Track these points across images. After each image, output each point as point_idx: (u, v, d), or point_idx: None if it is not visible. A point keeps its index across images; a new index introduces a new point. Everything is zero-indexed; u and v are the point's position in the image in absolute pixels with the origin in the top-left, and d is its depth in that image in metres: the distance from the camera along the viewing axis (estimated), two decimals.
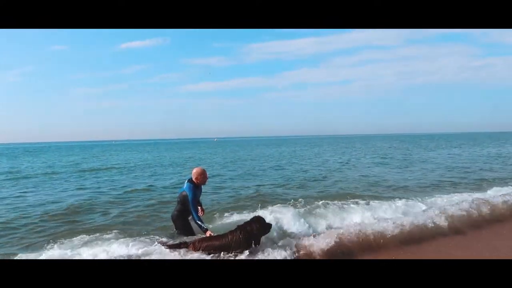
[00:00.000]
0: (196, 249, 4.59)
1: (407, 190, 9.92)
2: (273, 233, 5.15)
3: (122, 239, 5.15)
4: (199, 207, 5.22)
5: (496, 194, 8.19)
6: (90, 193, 10.32)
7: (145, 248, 4.57)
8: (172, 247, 4.62)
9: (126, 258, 4.27)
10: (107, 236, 5.48)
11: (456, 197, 8.08)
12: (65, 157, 34.30)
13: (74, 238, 5.37)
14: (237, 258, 4.39)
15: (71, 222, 6.81)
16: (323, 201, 7.24)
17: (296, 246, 4.84)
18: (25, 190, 11.36)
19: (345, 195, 8.37)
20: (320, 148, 41.07)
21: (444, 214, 6.23)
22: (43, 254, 4.56)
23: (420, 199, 7.79)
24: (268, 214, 5.75)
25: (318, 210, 6.62)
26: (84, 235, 5.45)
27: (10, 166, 22.37)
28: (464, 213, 6.46)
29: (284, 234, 5.35)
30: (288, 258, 4.51)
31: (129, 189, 10.92)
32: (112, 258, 4.31)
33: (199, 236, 5.07)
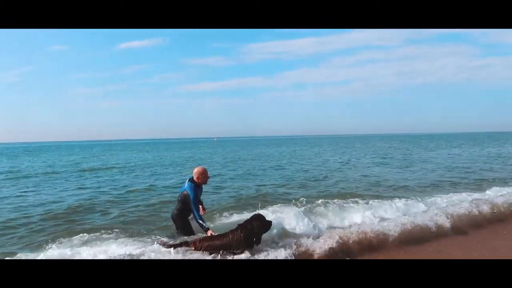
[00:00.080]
0: (197, 249, 4.60)
1: (408, 190, 9.92)
2: (275, 232, 5.15)
3: (122, 239, 5.16)
4: (200, 206, 5.23)
5: (496, 194, 8.20)
6: (90, 193, 10.32)
7: (145, 248, 4.56)
8: (173, 246, 4.62)
9: (126, 258, 4.27)
10: (107, 236, 5.48)
11: (456, 197, 8.09)
12: (65, 156, 34.32)
13: (74, 237, 5.37)
14: (237, 258, 4.39)
15: (71, 221, 6.81)
16: (324, 200, 7.25)
17: (297, 246, 4.84)
18: (26, 189, 11.36)
19: (345, 195, 8.37)
20: (320, 148, 41.07)
21: (445, 214, 6.22)
22: (43, 254, 4.56)
23: (420, 199, 7.80)
24: (269, 214, 5.75)
25: (319, 209, 6.63)
26: (84, 235, 5.45)
27: (10, 166, 22.37)
28: (465, 213, 6.45)
29: (285, 234, 5.34)
30: (289, 258, 4.50)
31: (129, 189, 10.92)
32: (112, 258, 4.30)
33: (200, 235, 5.08)
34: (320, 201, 7.17)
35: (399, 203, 7.21)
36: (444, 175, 13.23)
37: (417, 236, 5.50)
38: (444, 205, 7.15)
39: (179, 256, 4.37)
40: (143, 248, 4.56)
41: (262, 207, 6.45)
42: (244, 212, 6.65)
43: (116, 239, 5.19)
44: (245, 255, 4.45)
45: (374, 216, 6.31)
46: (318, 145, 53.96)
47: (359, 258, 4.81)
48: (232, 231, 4.73)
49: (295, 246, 4.82)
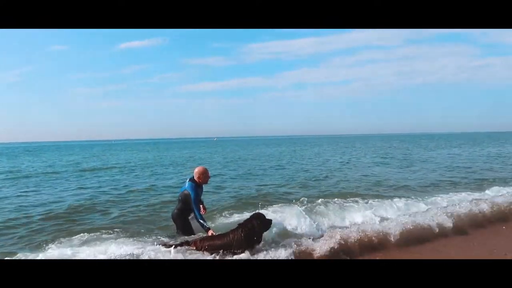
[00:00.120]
0: (198, 248, 4.60)
1: (408, 189, 9.93)
2: (275, 232, 5.15)
3: (122, 239, 5.16)
4: (201, 206, 5.23)
5: (497, 194, 8.20)
6: (90, 193, 10.32)
7: (145, 248, 4.56)
8: (174, 246, 4.61)
9: (126, 258, 4.26)
10: (107, 236, 5.49)
11: (457, 196, 8.09)
12: (65, 156, 34.33)
13: (74, 237, 5.38)
14: (238, 258, 4.39)
15: (72, 221, 6.81)
16: (325, 200, 7.26)
17: (297, 245, 4.84)
18: (26, 189, 11.36)
19: (346, 195, 8.37)
20: (320, 148, 41.08)
21: (445, 213, 6.21)
22: (43, 254, 4.56)
23: (420, 199, 7.81)
24: (270, 214, 5.76)
25: (319, 209, 6.63)
26: (84, 235, 5.46)
27: (11, 166, 22.38)
28: (465, 212, 6.44)
29: (286, 234, 5.34)
30: (289, 258, 4.50)
31: (129, 189, 10.92)
32: (112, 258, 4.30)
33: (200, 235, 5.08)
34: (320, 200, 7.18)
35: (400, 202, 7.22)
36: (444, 174, 13.24)
37: (417, 235, 5.50)
38: (445, 205, 7.15)
39: (179, 256, 4.37)
40: (143, 248, 4.55)
41: (263, 207, 6.45)
42: (245, 212, 6.65)
43: (116, 239, 5.19)
44: (245, 255, 4.45)
45: (375, 216, 6.31)
46: (318, 145, 53.97)
47: (360, 258, 4.82)
48: (232, 231, 4.74)
49: (295, 246, 4.81)
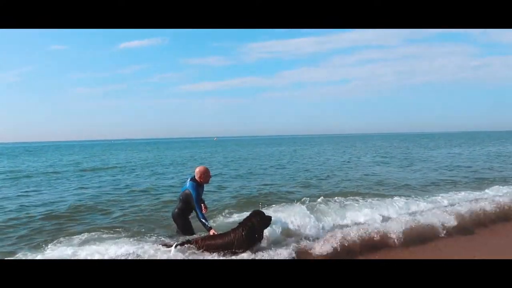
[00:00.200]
0: (199, 248, 4.60)
1: (409, 188, 9.92)
2: (276, 232, 5.15)
3: (122, 239, 5.17)
4: (201, 205, 5.24)
5: (497, 193, 8.18)
6: (91, 193, 10.32)
7: (146, 248, 4.56)
8: (174, 246, 4.61)
9: (126, 258, 4.27)
10: (108, 235, 5.49)
11: (458, 195, 8.08)
12: (66, 156, 34.34)
13: (75, 237, 5.38)
14: (238, 258, 4.40)
15: (72, 221, 6.81)
16: (326, 199, 7.25)
17: (299, 245, 4.85)
18: (26, 189, 11.37)
19: (347, 194, 8.36)
20: (320, 147, 41.07)
21: (446, 213, 6.22)
22: (43, 254, 4.57)
23: (421, 198, 7.80)
24: (272, 213, 5.75)
25: (321, 209, 6.62)
26: (85, 235, 5.46)
27: (11, 166, 22.39)
28: (466, 212, 6.43)
29: (287, 233, 5.35)
30: (290, 257, 4.51)
31: (130, 189, 10.92)
32: (113, 258, 4.31)
33: (200, 234, 5.09)
34: (322, 200, 7.17)
35: (401, 202, 7.20)
36: (444, 174, 13.24)
37: (418, 235, 5.50)
38: (446, 204, 7.15)
39: (180, 256, 4.37)
40: (144, 248, 4.55)
41: (264, 207, 6.44)
42: (246, 211, 6.65)
43: (117, 239, 5.19)
44: (246, 254, 4.46)
45: (376, 215, 6.30)
46: (318, 144, 53.97)
47: (361, 257, 4.82)
48: (233, 230, 4.75)
49: (297, 246, 4.83)
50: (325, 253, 4.74)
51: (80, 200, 8.94)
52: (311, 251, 4.80)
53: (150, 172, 16.77)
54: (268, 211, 5.26)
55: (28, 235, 5.92)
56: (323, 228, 5.65)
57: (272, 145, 55.99)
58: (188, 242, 4.72)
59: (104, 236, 5.47)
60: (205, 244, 4.64)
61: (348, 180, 12.04)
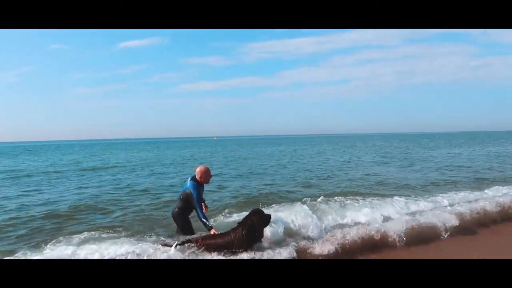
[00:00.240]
0: (199, 247, 4.60)
1: (409, 188, 9.92)
2: (276, 231, 5.14)
3: (123, 238, 5.16)
4: (202, 204, 5.24)
5: (497, 193, 8.18)
6: (91, 192, 10.32)
7: (146, 248, 4.55)
8: (174, 246, 4.60)
9: (126, 258, 4.27)
10: (108, 235, 5.49)
11: (458, 195, 8.08)
12: (66, 155, 34.34)
13: (75, 237, 5.36)
14: (238, 258, 4.40)
15: (72, 221, 6.81)
16: (327, 199, 7.26)
17: (299, 245, 4.85)
18: (27, 188, 11.37)
19: (348, 194, 8.35)
20: (320, 147, 41.07)
21: (447, 213, 6.22)
22: (43, 254, 4.56)
23: (422, 198, 7.79)
24: (273, 213, 5.76)
25: (321, 208, 6.61)
26: (85, 234, 5.45)
27: (11, 165, 22.39)
28: (467, 212, 6.44)
29: (288, 233, 5.33)
30: (291, 257, 4.51)
31: (130, 188, 10.92)
32: (113, 257, 4.31)
33: (200, 234, 5.09)
34: (323, 200, 7.17)
35: (401, 202, 7.20)
36: (445, 174, 13.24)
37: (419, 235, 5.50)
38: (446, 204, 7.15)
39: (180, 256, 4.38)
40: (144, 248, 4.55)
41: (265, 206, 6.44)
42: (246, 211, 6.64)
43: (117, 238, 5.18)
44: (247, 254, 4.47)
45: (377, 215, 6.30)
46: (318, 144, 53.96)
47: (361, 257, 4.82)
48: (233, 229, 4.76)
49: (297, 246, 4.83)
50: (325, 253, 4.74)
51: (80, 200, 8.94)
52: (311, 251, 4.81)
53: (150, 171, 16.76)
54: (268, 211, 5.27)
55: (28, 234, 5.93)
56: (324, 228, 5.64)
57: (272, 144, 55.99)
58: (189, 241, 4.72)
59: (104, 235, 5.46)
60: (206, 243, 4.64)
61: (348, 180, 12.03)
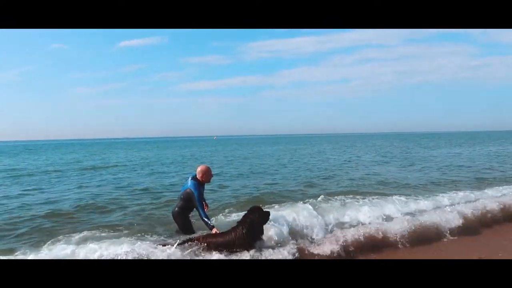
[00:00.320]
0: (200, 246, 4.61)
1: (410, 188, 9.91)
2: (276, 231, 5.13)
3: (123, 238, 5.16)
4: (203, 203, 5.25)
5: (498, 194, 8.18)
6: (91, 191, 10.32)
7: (146, 247, 4.55)
8: (175, 245, 4.60)
9: (126, 256, 4.27)
10: (108, 234, 5.48)
11: (458, 195, 8.07)
12: (66, 155, 34.35)
13: (75, 236, 5.36)
14: (238, 258, 4.40)
15: (73, 220, 6.82)
16: (327, 198, 7.26)
17: (299, 245, 4.85)
18: (27, 187, 11.38)
19: (349, 193, 8.33)
20: (320, 147, 41.05)
21: (447, 212, 6.22)
22: (43, 253, 4.55)
23: (422, 198, 7.78)
24: (273, 212, 5.76)
25: (322, 208, 6.59)
26: (85, 234, 5.45)
27: (12, 164, 22.40)
28: (468, 211, 6.42)
29: (288, 233, 5.32)
30: (291, 257, 4.51)
31: (131, 187, 10.93)
32: (113, 257, 4.31)
33: (200, 233, 5.09)
34: (322, 199, 7.17)
35: (402, 201, 7.19)
36: (445, 173, 13.23)
37: (420, 235, 5.50)
38: (447, 204, 7.14)
39: (180, 254, 4.38)
40: (144, 248, 4.54)
41: (265, 206, 6.44)
42: (247, 210, 6.65)
43: (117, 238, 5.18)
44: (247, 254, 4.47)
45: (378, 214, 6.30)
46: (318, 143, 53.94)
47: (362, 257, 4.82)
48: (233, 229, 4.76)
49: (297, 245, 4.83)
50: (325, 253, 4.74)
51: (80, 199, 8.94)
52: (311, 251, 4.81)
53: (150, 170, 16.77)
54: (271, 211, 5.26)
55: (28, 233, 5.93)
56: (325, 227, 5.64)
57: (272, 144, 55.99)
58: (190, 240, 4.73)
59: (104, 234, 5.46)
60: (206, 242, 4.64)
61: (349, 179, 12.02)
